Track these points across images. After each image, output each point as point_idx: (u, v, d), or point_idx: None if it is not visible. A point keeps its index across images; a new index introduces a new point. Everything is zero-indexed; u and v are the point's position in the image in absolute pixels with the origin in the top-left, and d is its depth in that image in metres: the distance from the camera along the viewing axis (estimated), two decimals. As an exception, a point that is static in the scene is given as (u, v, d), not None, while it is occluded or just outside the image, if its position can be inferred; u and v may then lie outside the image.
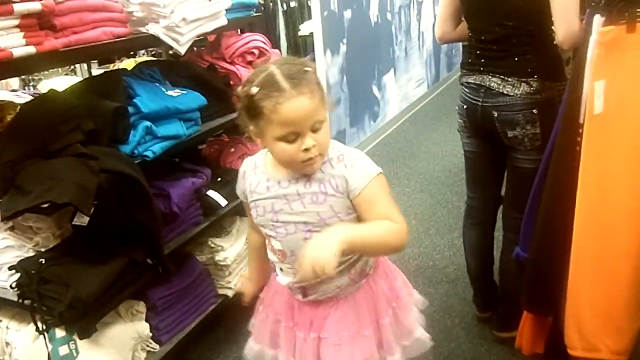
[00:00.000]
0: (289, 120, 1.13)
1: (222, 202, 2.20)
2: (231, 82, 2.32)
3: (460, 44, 2.25)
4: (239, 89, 1.21)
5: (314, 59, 4.10)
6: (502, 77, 1.83)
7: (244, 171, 1.36)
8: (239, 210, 2.35)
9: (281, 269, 1.37)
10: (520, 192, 1.84)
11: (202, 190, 2.16)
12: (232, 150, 2.47)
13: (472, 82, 1.92)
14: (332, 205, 1.25)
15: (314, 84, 1.16)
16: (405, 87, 5.56)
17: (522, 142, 1.83)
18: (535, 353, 1.92)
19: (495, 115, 1.86)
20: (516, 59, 1.81)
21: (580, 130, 1.57)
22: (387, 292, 1.43)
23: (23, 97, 2.32)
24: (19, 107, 2.01)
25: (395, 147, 4.69)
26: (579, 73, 1.57)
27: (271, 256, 1.39)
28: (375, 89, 4.88)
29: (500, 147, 1.96)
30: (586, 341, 1.59)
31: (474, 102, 1.92)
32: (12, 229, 1.87)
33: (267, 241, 1.38)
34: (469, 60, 1.96)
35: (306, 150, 1.16)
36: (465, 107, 1.98)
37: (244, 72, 2.31)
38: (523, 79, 1.80)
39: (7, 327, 2.03)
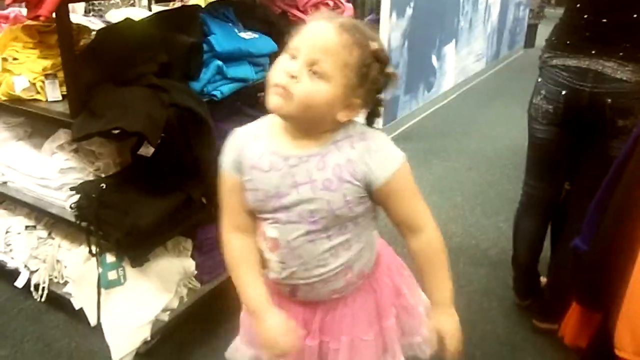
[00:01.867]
0: (303, 32, 0.99)
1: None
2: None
3: (527, 22, 2.12)
4: None
5: (377, 20, 4.02)
6: (619, 62, 1.70)
7: (241, 139, 1.11)
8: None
9: (267, 261, 1.17)
10: None
11: (261, 137, 2.16)
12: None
13: (574, 65, 1.78)
14: (345, 194, 1.06)
15: (351, 32, 0.99)
16: (464, 60, 5.41)
17: (630, 131, 1.68)
18: (576, 346, 1.91)
19: (609, 102, 1.72)
20: (636, 44, 1.69)
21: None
22: (390, 289, 1.27)
23: (96, 24, 2.34)
24: (93, 32, 2.02)
25: (447, 121, 4.60)
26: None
27: (259, 243, 1.16)
28: (434, 59, 4.76)
29: (579, 136, 1.88)
30: (638, 345, 1.56)
31: (578, 87, 1.77)
32: (76, 151, 1.91)
33: (257, 227, 1.15)
34: (568, 42, 1.82)
35: (282, 72, 0.98)
36: (563, 92, 1.82)
37: (315, 23, 2.26)
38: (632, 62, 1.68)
39: (59, 246, 2.11)
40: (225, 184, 1.13)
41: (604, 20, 1.73)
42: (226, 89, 1.88)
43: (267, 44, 2.05)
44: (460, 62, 5.33)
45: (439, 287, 1.16)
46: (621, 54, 1.70)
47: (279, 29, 2.21)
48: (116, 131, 1.57)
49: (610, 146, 1.79)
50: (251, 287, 1.14)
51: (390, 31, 3.96)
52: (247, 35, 2.01)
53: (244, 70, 1.95)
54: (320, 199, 1.06)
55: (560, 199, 2.09)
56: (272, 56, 2.11)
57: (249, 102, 2.30)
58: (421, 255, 1.14)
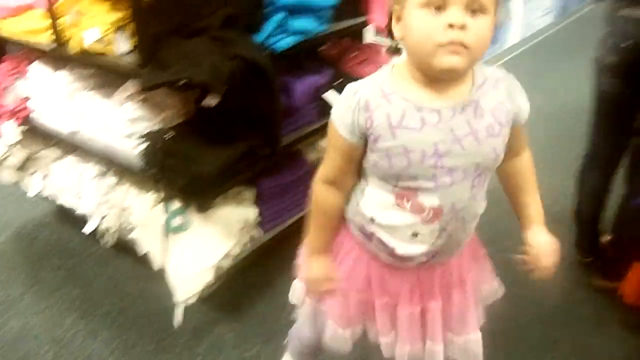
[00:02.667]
0: None
1: (340, 104, 2.20)
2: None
3: None
4: None
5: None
6: None
7: (367, 100, 0.99)
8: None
9: (415, 235, 1.07)
10: None
11: (322, 90, 2.16)
12: (353, 55, 2.43)
13: None
14: (504, 137, 1.03)
15: None
16: (531, 14, 5.18)
17: None
18: (635, 305, 1.88)
19: None
20: None
21: None
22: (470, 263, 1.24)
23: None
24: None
25: (513, 76, 4.45)
26: None
27: (402, 218, 1.05)
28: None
29: None
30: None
31: None
32: (144, 101, 1.97)
33: (397, 199, 1.04)
34: None
35: (450, 27, 0.87)
36: (629, 42, 1.76)
37: (378, -25, 2.21)
38: None
39: (128, 192, 2.20)
40: (338, 143, 1.04)
41: None
42: (288, 40, 1.88)
43: (327, -4, 2.02)
44: (527, 15, 5.11)
45: (535, 203, 1.19)
46: None
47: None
48: (183, 82, 1.61)
49: None
50: (323, 233, 1.19)
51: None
52: (310, -13, 1.99)
53: (307, 23, 1.94)
54: (486, 149, 1.00)
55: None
56: (333, 9, 2.09)
57: (310, 55, 2.31)
58: (521, 173, 1.17)
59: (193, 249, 1.92)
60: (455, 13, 0.88)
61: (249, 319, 2.05)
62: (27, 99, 2.30)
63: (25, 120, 2.34)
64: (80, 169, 2.31)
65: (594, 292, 2.11)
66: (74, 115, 2.13)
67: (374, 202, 1.08)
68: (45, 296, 2.17)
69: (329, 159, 1.10)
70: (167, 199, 1.92)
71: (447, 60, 0.90)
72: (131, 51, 1.82)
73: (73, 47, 1.89)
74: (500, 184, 1.20)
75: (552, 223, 2.46)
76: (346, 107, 1.01)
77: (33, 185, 2.46)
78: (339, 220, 1.17)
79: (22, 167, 2.48)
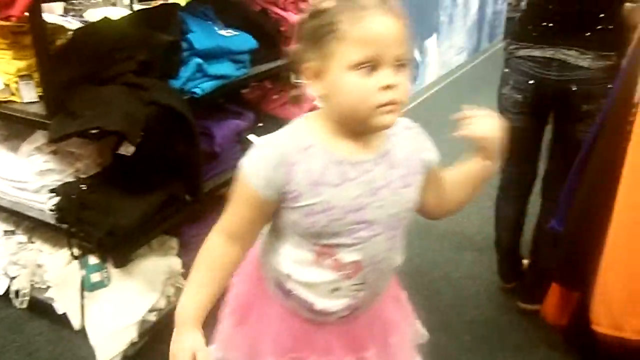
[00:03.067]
0: (372, 38, 0.86)
1: (262, 147, 2.19)
2: (282, 29, 2.28)
3: (505, 15, 2.22)
4: (307, 11, 0.93)
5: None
6: (580, 50, 1.79)
7: (285, 154, 0.93)
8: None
9: (334, 290, 1.03)
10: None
11: (244, 133, 2.15)
12: (275, 97, 2.44)
13: (540, 55, 1.86)
14: (418, 186, 1.02)
15: (402, 11, 0.91)
16: (445, 53, 5.45)
17: (592, 115, 1.79)
18: (558, 325, 1.94)
19: (574, 89, 1.81)
20: (593, 33, 1.77)
21: (634, 110, 1.55)
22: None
23: (73, 23, 2.31)
24: (69, 32, 2.00)
25: (431, 113, 4.60)
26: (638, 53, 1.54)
27: (321, 276, 1.01)
28: (416, 52, 4.79)
29: (545, 122, 1.98)
30: (612, 318, 1.61)
31: (544, 76, 1.86)
32: (54, 152, 1.88)
33: (316, 257, 1.00)
34: (534, 34, 1.88)
35: (386, 88, 0.87)
36: (530, 81, 1.89)
37: (295, 19, 2.25)
38: (603, 53, 1.77)
39: (40, 250, 2.08)
40: (248, 196, 0.97)
41: (569, 10, 1.80)
42: (207, 86, 1.87)
43: (247, 40, 2.04)
44: (442, 55, 5.36)
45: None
46: (581, 42, 1.79)
47: (258, 26, 2.21)
48: (95, 131, 1.55)
49: (577, 130, 1.87)
50: (204, 295, 1.00)
51: (370, 25, 3.96)
52: (227, 32, 1.99)
53: (225, 67, 1.94)
54: (402, 199, 1.00)
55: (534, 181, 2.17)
56: (252, 53, 2.10)
57: (231, 99, 2.30)
58: (451, 181, 1.12)
59: (114, 305, 1.83)
60: (388, 74, 0.88)
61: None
62: None
63: None
64: (-13, 227, 2.17)
65: (520, 315, 2.16)
66: (-22, 170, 2.00)
67: (290, 259, 1.03)
68: (-50, 370, 1.98)
69: (234, 211, 1.00)
70: (83, 255, 1.82)
71: (385, 120, 0.90)
72: (38, 100, 1.75)
73: (-25, 97, 1.79)
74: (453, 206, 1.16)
75: (475, 251, 2.58)
76: (262, 160, 0.95)
77: None
78: (226, 282, 1.06)
79: None
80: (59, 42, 1.93)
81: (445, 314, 2.19)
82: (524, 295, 2.18)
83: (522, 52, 1.91)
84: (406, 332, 1.23)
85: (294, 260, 1.03)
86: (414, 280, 2.38)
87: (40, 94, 1.75)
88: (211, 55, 1.88)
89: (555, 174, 1.98)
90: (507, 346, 2.02)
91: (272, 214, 1.00)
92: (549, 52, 1.84)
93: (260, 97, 2.51)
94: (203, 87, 1.85)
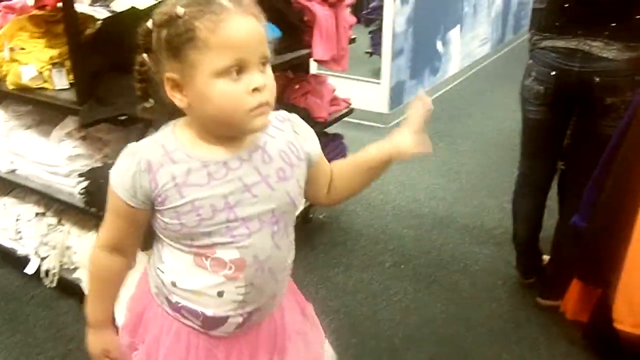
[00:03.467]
0: (235, 42, 0.84)
1: (284, 137, 2.22)
2: (305, 18, 2.30)
3: (531, 6, 2.18)
4: (152, 19, 0.90)
5: (381, 7, 4.02)
6: (605, 41, 1.77)
7: (148, 160, 0.91)
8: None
9: (220, 294, 0.98)
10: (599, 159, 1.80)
11: (266, 122, 2.18)
12: (297, 87, 2.47)
13: (563, 46, 1.84)
14: (298, 179, 1.00)
15: (258, 9, 0.90)
16: (469, 44, 5.40)
17: (618, 108, 1.77)
18: (577, 321, 1.94)
19: (597, 80, 1.79)
20: (622, 23, 1.74)
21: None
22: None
23: (101, 13, 2.35)
24: (98, 21, 2.04)
25: (453, 105, 4.60)
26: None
27: (203, 280, 0.97)
28: (439, 44, 4.76)
29: (569, 115, 1.95)
30: (635, 317, 1.60)
31: (567, 67, 1.84)
32: (83, 138, 1.94)
33: (195, 259, 0.96)
34: (557, 24, 1.87)
35: (255, 90, 0.86)
36: (553, 73, 1.88)
37: (319, 10, 2.27)
38: (631, 44, 1.74)
39: (69, 232, 2.15)
40: (118, 207, 0.96)
41: (595, 0, 1.77)
42: (230, 74, 1.90)
43: (270, 30, 2.04)
44: (465, 46, 5.32)
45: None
46: (607, 33, 1.76)
47: (282, 15, 2.23)
48: (123, 117, 1.60)
49: (600, 124, 1.85)
50: (103, 303, 1.08)
51: (395, 17, 3.95)
52: (251, 21, 2.02)
53: (248, 56, 1.97)
54: (279, 193, 0.97)
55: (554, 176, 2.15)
56: (275, 42, 2.12)
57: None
58: (345, 169, 1.09)
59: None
60: (255, 76, 0.86)
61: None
62: (-40, 138, 2.22)
63: (-41, 161, 2.26)
64: (19, 209, 2.24)
65: (539, 310, 2.17)
66: (10, 153, 2.07)
67: (172, 266, 1.00)
68: (-17, 345, 2.06)
69: (110, 224, 1.01)
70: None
71: (259, 122, 0.89)
72: (69, 87, 1.80)
73: (11, 83, 1.85)
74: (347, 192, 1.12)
75: (495, 245, 2.59)
76: (125, 169, 0.93)
77: (-33, 229, 2.36)
78: (119, 290, 1.08)
79: (-44, 210, 2.38)
80: (88, 31, 1.98)
81: (463, 306, 2.21)
82: (543, 290, 2.18)
83: (546, 43, 1.90)
84: (311, 344, 1.17)
85: (175, 267, 1.00)
86: (432, 272, 2.42)
87: (71, 81, 1.80)
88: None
89: (578, 170, 1.96)
90: (524, 341, 2.03)
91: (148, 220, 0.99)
92: (572, 43, 1.82)
93: (282, 86, 2.54)
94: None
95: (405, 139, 1.02)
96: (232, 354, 1.05)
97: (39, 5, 1.55)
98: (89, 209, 1.85)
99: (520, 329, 2.08)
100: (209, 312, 0.99)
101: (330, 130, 2.61)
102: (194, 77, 0.85)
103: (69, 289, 2.16)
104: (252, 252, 0.96)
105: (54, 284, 2.15)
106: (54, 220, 2.17)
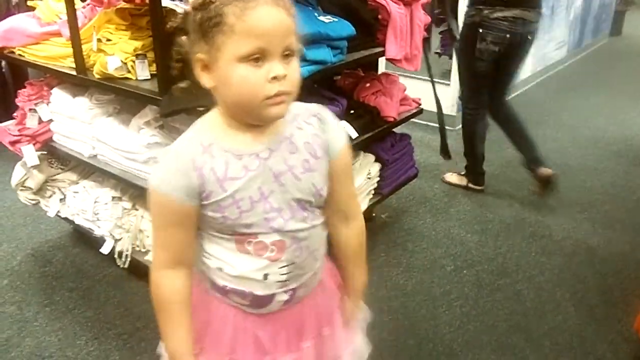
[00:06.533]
0: (259, 30, 0.86)
1: (353, 134, 2.22)
2: (379, 17, 2.29)
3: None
4: (190, 2, 0.93)
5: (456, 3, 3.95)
6: (531, 9, 2.77)
7: (191, 158, 0.94)
8: (363, 145, 2.38)
9: (265, 276, 1.02)
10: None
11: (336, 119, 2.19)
12: (367, 85, 2.47)
13: (511, 15, 2.70)
14: (322, 171, 1.02)
15: (290, 3, 0.92)
16: (543, 48, 5.22)
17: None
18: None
19: (529, 38, 2.83)
20: None
21: None
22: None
23: (182, 7, 2.44)
24: (179, 15, 2.11)
25: (524, 110, 4.39)
26: None
27: (248, 264, 1.01)
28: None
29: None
30: None
31: (515, 31, 2.74)
32: (161, 127, 2.02)
33: (238, 245, 1.00)
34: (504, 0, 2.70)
35: (274, 79, 0.88)
36: (507, 35, 2.73)
37: (394, 8, 2.26)
38: (539, 10, 2.83)
39: (143, 217, 2.24)
40: (172, 213, 0.96)
41: None
42: (305, 70, 1.92)
43: (345, 27, 2.08)
44: (540, 49, 5.14)
45: (359, 277, 1.20)
46: (532, 4, 2.78)
47: (357, 13, 2.23)
48: (201, 108, 1.64)
49: (519, 66, 3.01)
50: (184, 326, 1.04)
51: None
52: (326, 19, 2.04)
53: (323, 53, 1.99)
54: (304, 184, 1.00)
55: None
56: (349, 40, 2.13)
57: (323, 85, 2.35)
58: (352, 244, 1.16)
59: (205, 273, 1.94)
60: (276, 65, 0.88)
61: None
62: (47, 123, 2.35)
63: (44, 144, 2.40)
64: (97, 192, 2.36)
65: (608, 327, 2.08)
66: (93, 139, 2.18)
67: (215, 253, 1.03)
68: (59, 317, 2.19)
69: (164, 239, 1.01)
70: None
71: (275, 111, 0.91)
72: (150, 78, 1.88)
73: (97, 72, 1.94)
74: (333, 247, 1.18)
75: (564, 256, 2.50)
76: (174, 171, 0.95)
77: (52, 207, 2.50)
78: (191, 305, 1.05)
79: (40, 190, 2.53)
80: (170, 24, 2.05)
81: (526, 317, 2.15)
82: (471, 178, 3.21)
83: (497, 14, 2.71)
84: (338, 322, 1.21)
85: (218, 253, 1.02)
86: (495, 280, 2.37)
87: (153, 72, 1.87)
88: (310, 41, 1.93)
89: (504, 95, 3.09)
90: (590, 357, 1.96)
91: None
92: (515, 12, 2.71)
93: (352, 84, 2.54)
94: (303, 70, 1.91)
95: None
96: (280, 333, 1.09)
97: (128, -1, 1.63)
98: (162, 195, 1.92)
99: (586, 345, 2.01)
100: (258, 292, 1.03)
101: (398, 130, 2.60)
102: (219, 59, 0.89)
103: (139, 271, 2.26)
104: (290, 235, 1.00)
105: (126, 265, 2.25)
106: (129, 204, 2.27)
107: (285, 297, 1.05)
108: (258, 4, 0.87)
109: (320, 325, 1.14)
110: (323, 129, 1.03)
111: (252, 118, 0.94)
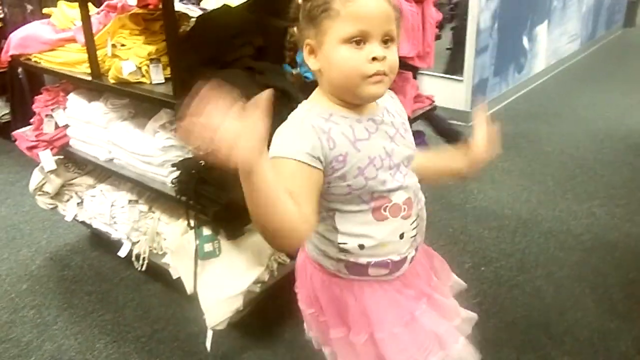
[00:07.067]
0: (362, 14, 0.95)
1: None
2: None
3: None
4: None
5: (466, 1, 3.93)
6: None
7: (318, 124, 0.98)
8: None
9: (401, 236, 1.10)
10: None
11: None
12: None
13: None
14: (411, 133, 1.17)
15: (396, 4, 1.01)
16: (557, 41, 5.17)
17: None
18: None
19: None
20: None
21: None
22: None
23: (194, 11, 2.45)
24: (192, 19, 2.13)
25: (538, 104, 4.44)
26: None
27: (386, 228, 1.08)
28: (525, 40, 4.59)
29: None
30: None
31: None
32: (176, 130, 2.03)
33: (375, 214, 1.06)
34: None
35: (374, 60, 0.96)
36: None
37: (405, 6, 2.25)
38: None
39: (159, 219, 2.25)
40: (309, 179, 0.96)
41: None
42: (317, 70, 1.93)
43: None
44: (553, 43, 5.10)
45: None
46: None
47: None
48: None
49: None
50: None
51: (480, 12, 3.85)
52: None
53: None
54: (408, 141, 1.12)
55: None
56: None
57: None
58: (429, 158, 1.25)
59: (224, 274, 1.95)
60: (376, 47, 0.97)
61: (277, 346, 2.05)
62: (63, 128, 2.38)
63: (61, 149, 2.42)
64: (114, 196, 2.38)
65: (632, 322, 2.05)
66: (109, 143, 2.20)
67: (354, 233, 1.07)
68: (78, 320, 2.21)
69: (309, 199, 0.95)
70: (199, 226, 1.95)
71: (374, 90, 0.99)
72: (165, 82, 1.89)
73: (112, 77, 1.96)
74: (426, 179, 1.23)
75: (583, 252, 2.48)
76: (300, 134, 0.97)
77: (69, 211, 2.53)
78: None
79: (58, 194, 2.56)
80: (182, 28, 2.07)
81: (545, 313, 2.14)
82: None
83: None
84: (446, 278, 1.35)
85: (358, 231, 1.08)
86: (513, 276, 2.35)
87: (167, 76, 1.88)
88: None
89: None
90: (612, 353, 1.94)
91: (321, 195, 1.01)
92: None
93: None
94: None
95: (478, 144, 1.19)
96: (412, 285, 1.19)
97: (142, 4, 1.64)
98: (179, 197, 1.93)
99: (608, 341, 1.99)
100: (396, 258, 1.12)
101: (412, 127, 2.59)
102: (324, 42, 0.98)
103: (156, 273, 2.27)
104: (412, 189, 1.11)
105: (144, 268, 2.26)
106: (145, 207, 2.28)
107: (413, 252, 1.16)
108: None
109: (433, 270, 1.28)
110: (400, 105, 1.17)
111: (353, 97, 1.02)
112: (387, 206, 1.07)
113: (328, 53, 0.98)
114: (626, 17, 6.96)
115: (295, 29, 1.07)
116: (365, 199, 1.05)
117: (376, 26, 0.96)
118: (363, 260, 1.10)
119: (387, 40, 0.98)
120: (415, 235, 1.14)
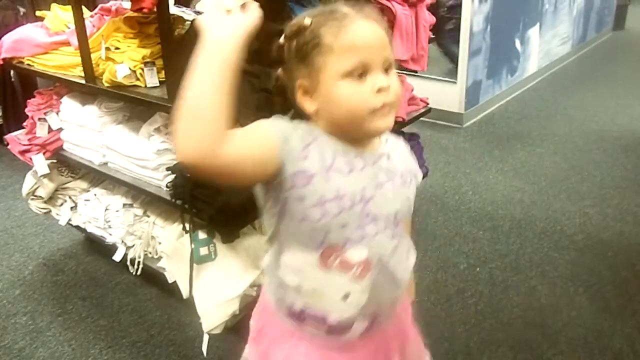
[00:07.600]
0: (357, 44, 0.87)
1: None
2: (384, 18, 2.29)
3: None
4: (284, 34, 0.95)
5: (459, 4, 3.95)
6: None
7: (309, 131, 0.92)
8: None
9: (346, 296, 0.97)
10: None
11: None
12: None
13: None
14: (413, 189, 1.04)
15: (380, 17, 0.93)
16: (548, 43, 5.22)
17: None
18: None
19: None
20: None
21: None
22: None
23: (189, 14, 2.44)
24: (187, 22, 2.12)
25: (531, 105, 4.47)
26: None
27: (330, 280, 0.96)
28: (517, 42, 4.63)
29: None
30: None
31: None
32: (171, 134, 2.02)
33: (322, 259, 0.95)
34: None
35: (379, 91, 0.88)
36: None
37: (399, 9, 2.26)
38: None
39: (154, 223, 2.24)
40: (259, 139, 0.88)
41: None
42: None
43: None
44: (545, 45, 5.14)
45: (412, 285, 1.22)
46: None
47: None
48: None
49: None
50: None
51: (473, 15, 3.88)
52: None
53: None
54: (401, 196, 1.00)
55: None
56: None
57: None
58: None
59: (219, 278, 1.94)
60: (378, 77, 0.89)
61: (274, 349, 2.04)
62: (57, 132, 2.37)
63: (54, 153, 2.41)
64: (108, 200, 2.36)
65: (626, 322, 2.07)
66: (103, 147, 2.19)
67: (295, 269, 0.98)
68: (73, 326, 2.19)
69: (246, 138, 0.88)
70: (194, 229, 1.95)
71: (382, 123, 0.91)
72: (159, 85, 1.88)
73: (106, 80, 1.95)
74: None
75: (576, 251, 2.49)
76: (286, 123, 0.92)
77: (63, 216, 2.51)
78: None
79: (51, 198, 2.55)
80: (177, 31, 2.06)
81: (540, 312, 2.15)
82: None
83: None
84: (417, 338, 1.23)
85: (299, 268, 0.97)
86: (508, 277, 2.37)
87: (162, 79, 1.88)
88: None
89: None
90: (606, 353, 1.95)
91: (274, 214, 0.95)
92: None
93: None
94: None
95: None
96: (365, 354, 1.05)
97: (136, 8, 1.63)
98: (174, 201, 1.92)
99: (602, 339, 2.00)
100: (333, 317, 0.98)
101: (407, 129, 2.60)
102: (321, 80, 0.90)
103: (152, 278, 2.26)
104: (378, 251, 0.97)
105: (139, 272, 2.25)
106: (140, 211, 2.27)
107: (364, 324, 1.01)
108: (352, 20, 0.88)
109: (403, 343, 1.13)
110: (409, 154, 1.08)
111: (359, 132, 0.93)
112: (337, 256, 0.94)
113: (327, 91, 0.89)
114: (615, 21, 7.04)
115: (280, 71, 0.97)
116: (317, 238, 0.94)
117: (375, 55, 0.89)
118: (297, 306, 1.00)
119: (387, 69, 0.91)
120: (365, 305, 0.98)
